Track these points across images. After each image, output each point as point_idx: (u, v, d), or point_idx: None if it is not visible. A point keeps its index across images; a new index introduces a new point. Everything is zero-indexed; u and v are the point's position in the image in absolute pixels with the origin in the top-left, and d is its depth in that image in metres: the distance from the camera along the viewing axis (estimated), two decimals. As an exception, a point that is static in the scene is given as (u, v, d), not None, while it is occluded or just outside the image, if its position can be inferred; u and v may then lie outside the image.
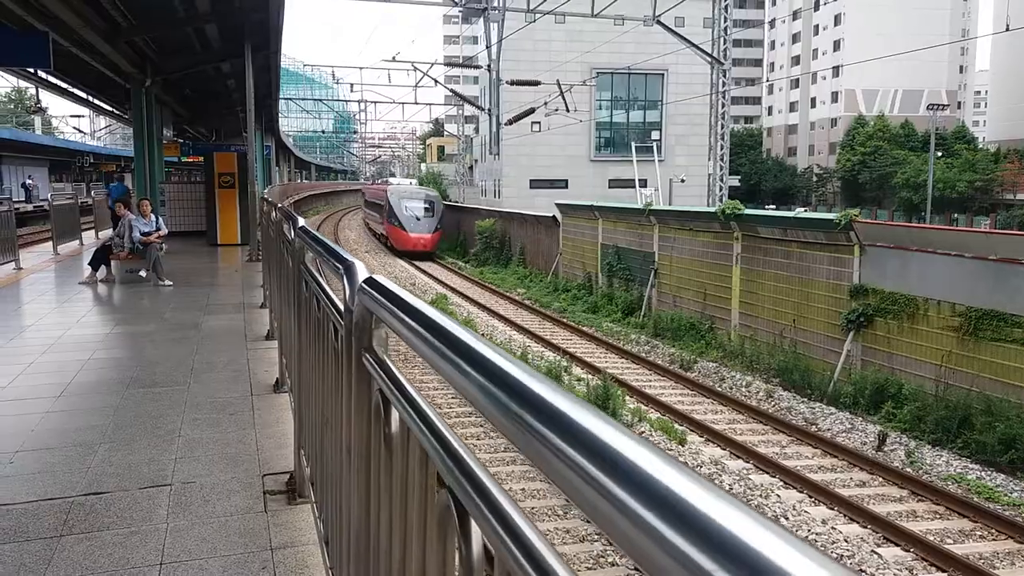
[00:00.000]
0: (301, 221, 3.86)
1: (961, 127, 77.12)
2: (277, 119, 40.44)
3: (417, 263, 33.72)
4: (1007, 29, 26.13)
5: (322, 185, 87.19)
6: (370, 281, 1.80)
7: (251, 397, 5.78)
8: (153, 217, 12.88)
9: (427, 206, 36.96)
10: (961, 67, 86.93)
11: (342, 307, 2.07)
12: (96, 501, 3.96)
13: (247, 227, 17.27)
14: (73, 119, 70.20)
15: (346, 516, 2.12)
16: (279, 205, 6.80)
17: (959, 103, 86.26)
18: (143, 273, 12.15)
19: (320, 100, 70.17)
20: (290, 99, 60.72)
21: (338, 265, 2.21)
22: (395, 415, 1.55)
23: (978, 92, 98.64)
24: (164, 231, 12.92)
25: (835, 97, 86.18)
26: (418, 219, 36.20)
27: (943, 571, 7.35)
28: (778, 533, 0.49)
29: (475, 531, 1.06)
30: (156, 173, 19.61)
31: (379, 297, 1.67)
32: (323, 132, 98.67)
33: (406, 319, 1.43)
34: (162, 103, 20.77)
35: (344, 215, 61.73)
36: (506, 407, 0.85)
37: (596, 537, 7.43)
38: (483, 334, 16.64)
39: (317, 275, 3.03)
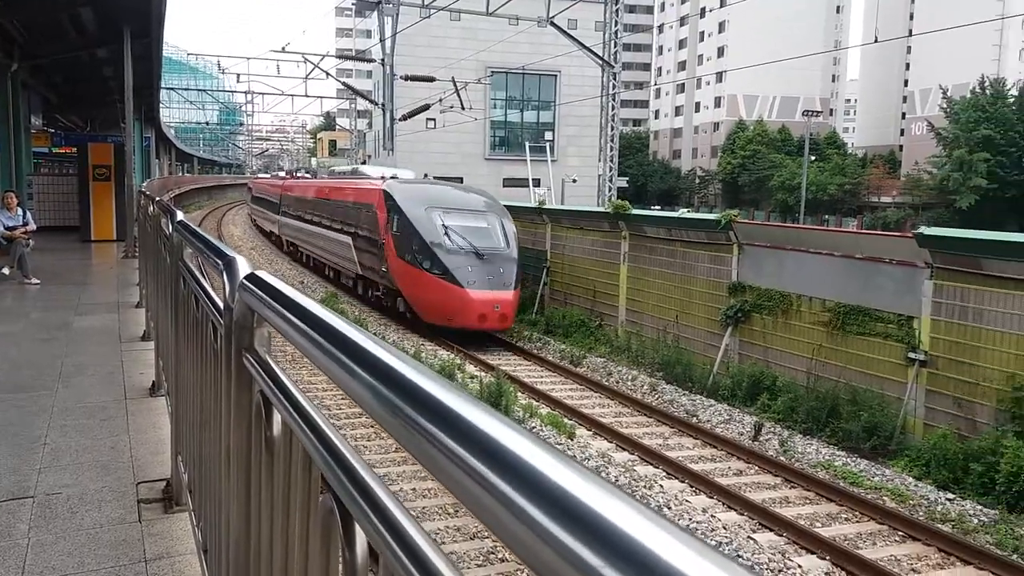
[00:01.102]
0: (180, 215, 3.69)
1: (832, 133, 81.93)
2: (158, 109, 38.52)
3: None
4: (875, 41, 27.92)
5: (205, 179, 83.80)
6: (251, 277, 1.73)
7: (125, 401, 5.49)
8: (20, 211, 12.10)
9: (488, 226, 17.71)
10: (833, 76, 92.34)
11: (222, 305, 1.99)
12: (-52, 516, 3.65)
13: (124, 222, 16.44)
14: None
15: (225, 523, 2.04)
16: (157, 199, 6.49)
17: (831, 110, 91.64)
18: (6, 271, 11.39)
19: (204, 91, 67.44)
20: (172, 89, 58.13)
21: (218, 261, 2.12)
22: (277, 418, 1.50)
23: (848, 100, 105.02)
24: (32, 226, 12.18)
25: (718, 102, 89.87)
26: (480, 257, 16.82)
27: (812, 553, 7.77)
28: (665, 528, 0.49)
29: (359, 535, 1.04)
30: (23, 164, 18.35)
31: (261, 294, 1.61)
32: (207, 124, 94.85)
33: (290, 317, 1.38)
34: (30, 89, 19.42)
35: (229, 210, 59.46)
36: (393, 405, 0.83)
37: (486, 534, 7.45)
38: (374, 334, 16.42)
39: (196, 272, 2.89)
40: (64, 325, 8.21)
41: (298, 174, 45.12)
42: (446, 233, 16.88)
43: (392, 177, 21.06)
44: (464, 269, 16.48)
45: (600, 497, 0.54)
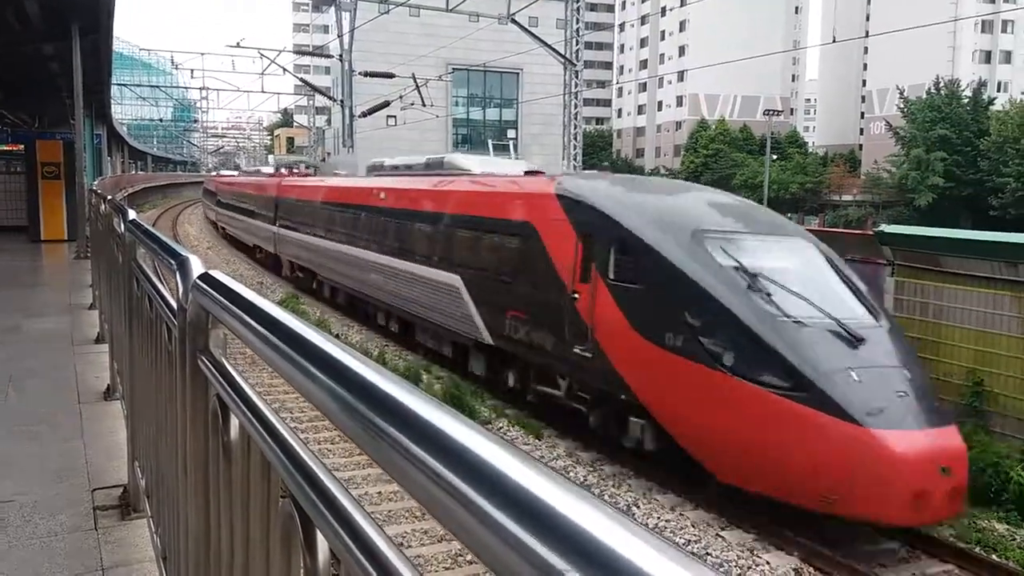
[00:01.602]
0: (132, 214, 3.61)
1: (793, 132, 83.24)
2: (109, 106, 37.68)
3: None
4: (833, 40, 28.42)
5: (159, 177, 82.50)
6: (205, 277, 1.69)
7: (79, 406, 5.35)
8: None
9: (815, 269, 8.69)
10: (793, 76, 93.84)
11: (175, 306, 1.94)
12: None
13: (75, 222, 16.09)
14: None
15: (184, 530, 2.00)
16: (109, 198, 6.34)
17: (791, 110, 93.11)
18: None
19: (157, 87, 66.29)
20: (124, 85, 56.99)
21: (171, 260, 2.07)
22: (234, 422, 1.46)
23: (808, 100, 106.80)
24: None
25: (680, 101, 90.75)
26: (856, 344, 7.51)
27: (780, 550, 7.87)
28: (630, 529, 0.48)
29: (320, 541, 1.03)
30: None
31: (215, 294, 1.57)
32: (161, 121, 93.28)
33: (245, 318, 1.35)
34: (-26, 85, 18.92)
35: (184, 208, 58.55)
36: (356, 411, 0.82)
37: (454, 536, 7.42)
38: (337, 335, 16.25)
39: (150, 272, 2.83)
40: (13, 328, 7.99)
41: (297, 169, 33.74)
42: (760, 288, 7.99)
43: (534, 172, 13.67)
44: (843, 377, 7.33)
45: (565, 500, 0.54)
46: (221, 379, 1.55)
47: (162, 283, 2.60)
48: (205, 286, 1.65)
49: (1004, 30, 72.96)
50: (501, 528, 0.53)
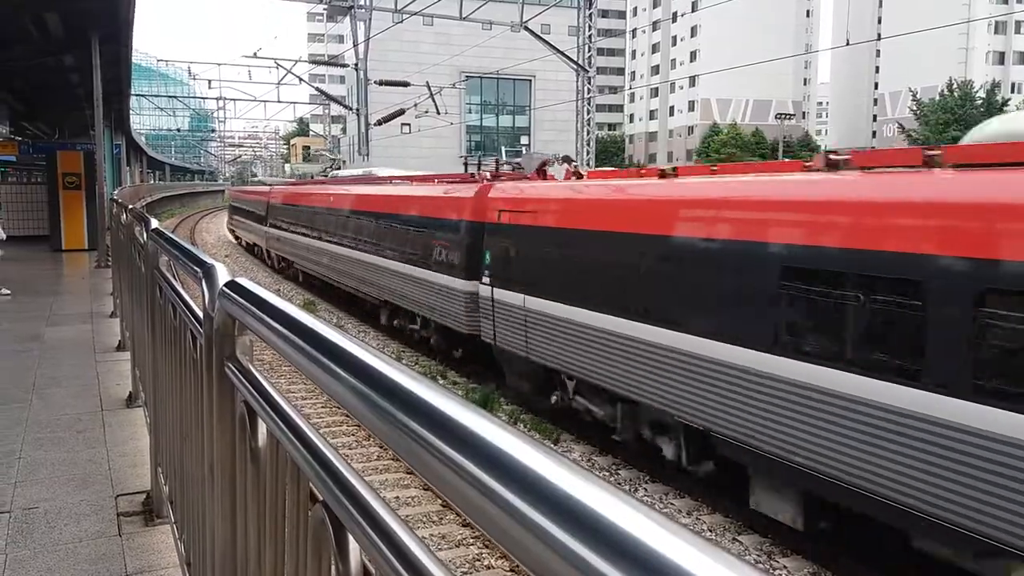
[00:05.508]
0: (154, 222, 3.64)
1: (806, 135, 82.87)
2: (128, 116, 38.07)
3: None
4: (847, 44, 28.25)
5: (178, 186, 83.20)
6: (232, 284, 1.70)
7: (101, 413, 5.40)
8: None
9: None
10: (805, 79, 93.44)
11: (201, 313, 1.95)
12: (-80, 534, 3.56)
13: (96, 231, 16.24)
14: None
15: (210, 536, 2.00)
16: (130, 207, 6.40)
17: (803, 113, 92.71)
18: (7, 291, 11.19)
19: (175, 97, 66.87)
20: (142, 95, 57.59)
21: (196, 268, 2.08)
22: (262, 427, 1.47)
23: (820, 103, 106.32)
24: (1, 236, 11.98)
25: (692, 106, 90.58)
26: None
27: (798, 554, 7.81)
28: (678, 532, 0.48)
29: (353, 546, 1.02)
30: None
31: (243, 301, 1.58)
32: (178, 131, 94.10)
33: (275, 324, 1.36)
34: (-5, 97, 19.17)
35: (202, 217, 58.97)
36: (387, 412, 0.82)
37: (472, 541, 7.42)
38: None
39: (173, 280, 2.85)
40: (36, 336, 8.07)
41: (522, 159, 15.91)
42: None
43: None
44: None
45: (610, 502, 0.53)
46: (249, 385, 1.56)
47: (185, 291, 2.62)
48: (232, 293, 1.66)
49: (1017, 31, 72.43)
50: (545, 532, 0.52)
